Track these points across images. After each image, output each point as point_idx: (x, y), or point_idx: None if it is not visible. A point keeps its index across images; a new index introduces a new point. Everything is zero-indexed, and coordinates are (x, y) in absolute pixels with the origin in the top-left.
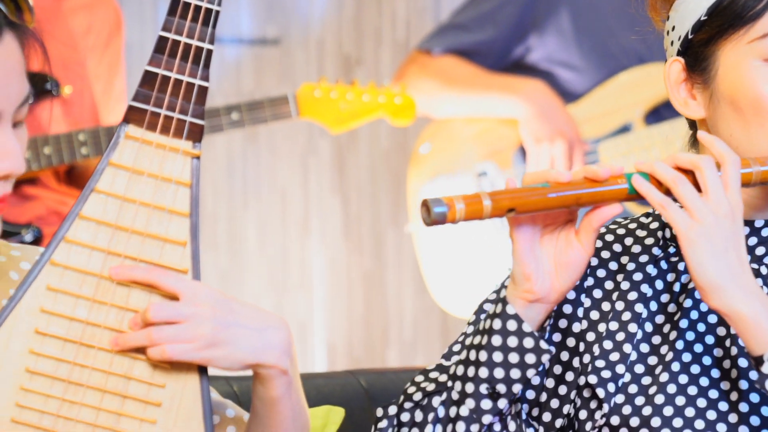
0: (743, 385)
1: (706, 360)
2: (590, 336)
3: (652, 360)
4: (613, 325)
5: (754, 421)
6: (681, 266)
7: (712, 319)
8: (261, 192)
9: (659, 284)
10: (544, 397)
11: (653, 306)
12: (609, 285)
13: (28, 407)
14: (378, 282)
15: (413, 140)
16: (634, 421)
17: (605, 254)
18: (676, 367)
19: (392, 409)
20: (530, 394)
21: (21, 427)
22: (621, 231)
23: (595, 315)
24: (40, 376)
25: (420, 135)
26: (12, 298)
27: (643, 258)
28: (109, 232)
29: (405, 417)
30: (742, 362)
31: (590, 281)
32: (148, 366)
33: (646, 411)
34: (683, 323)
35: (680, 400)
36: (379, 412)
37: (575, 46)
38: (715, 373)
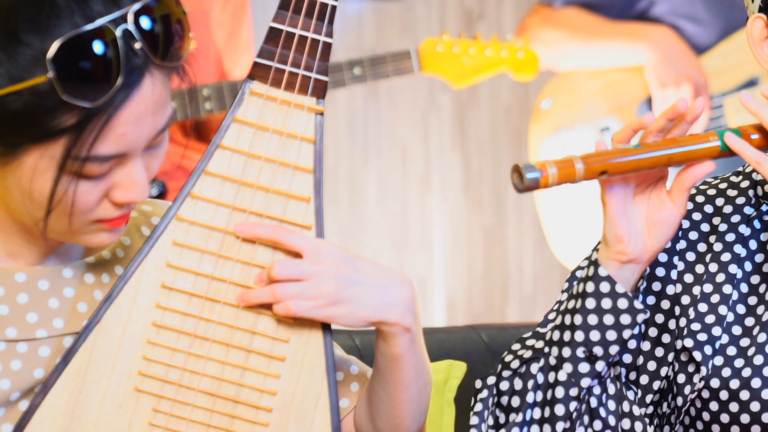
0: None
1: None
2: (685, 299)
3: (749, 321)
4: (708, 288)
5: None
6: None
7: None
8: (382, 148)
9: (753, 244)
10: (641, 360)
11: (748, 266)
12: (702, 247)
13: (154, 360)
14: (498, 238)
15: (535, 96)
16: (734, 383)
17: (696, 216)
18: None
19: (491, 379)
20: (627, 358)
21: (148, 379)
22: (711, 191)
23: (689, 278)
24: (166, 330)
25: (542, 90)
26: (139, 252)
27: (735, 218)
28: (234, 187)
29: (504, 385)
30: None
31: (682, 244)
32: (273, 321)
33: (746, 372)
34: None
35: None
36: (478, 383)
37: None
38: None
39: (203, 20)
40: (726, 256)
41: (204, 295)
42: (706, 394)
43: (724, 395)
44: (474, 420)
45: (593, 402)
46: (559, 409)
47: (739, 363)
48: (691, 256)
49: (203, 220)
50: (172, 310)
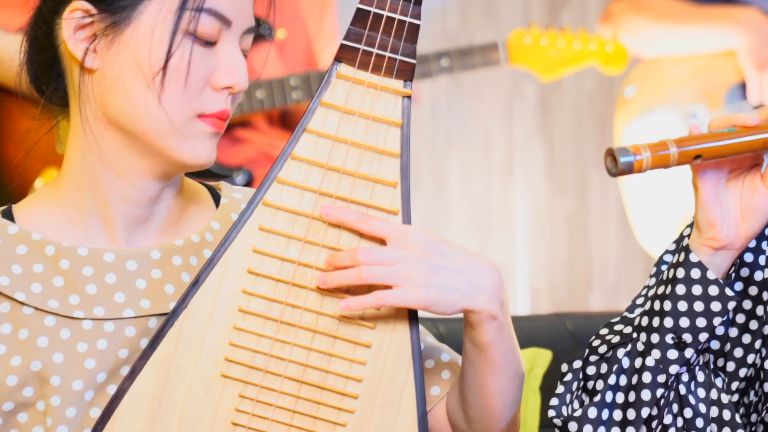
0: None
1: None
2: None
3: None
4: None
5: None
6: None
7: None
8: (465, 136)
9: None
10: (728, 346)
11: None
12: None
13: (241, 346)
14: (581, 225)
15: (619, 83)
16: None
17: None
18: None
19: (577, 363)
20: (715, 345)
21: (234, 365)
22: None
23: None
24: (252, 316)
25: (627, 77)
26: (225, 237)
27: None
28: (321, 172)
29: (590, 370)
30: None
31: None
32: None
33: None
34: None
35: None
36: (564, 367)
37: None
38: None
39: (294, 12)
40: None
41: (290, 281)
42: None
43: None
44: (554, 401)
45: (682, 389)
46: (646, 395)
47: None
48: None
49: (289, 204)
50: (258, 295)
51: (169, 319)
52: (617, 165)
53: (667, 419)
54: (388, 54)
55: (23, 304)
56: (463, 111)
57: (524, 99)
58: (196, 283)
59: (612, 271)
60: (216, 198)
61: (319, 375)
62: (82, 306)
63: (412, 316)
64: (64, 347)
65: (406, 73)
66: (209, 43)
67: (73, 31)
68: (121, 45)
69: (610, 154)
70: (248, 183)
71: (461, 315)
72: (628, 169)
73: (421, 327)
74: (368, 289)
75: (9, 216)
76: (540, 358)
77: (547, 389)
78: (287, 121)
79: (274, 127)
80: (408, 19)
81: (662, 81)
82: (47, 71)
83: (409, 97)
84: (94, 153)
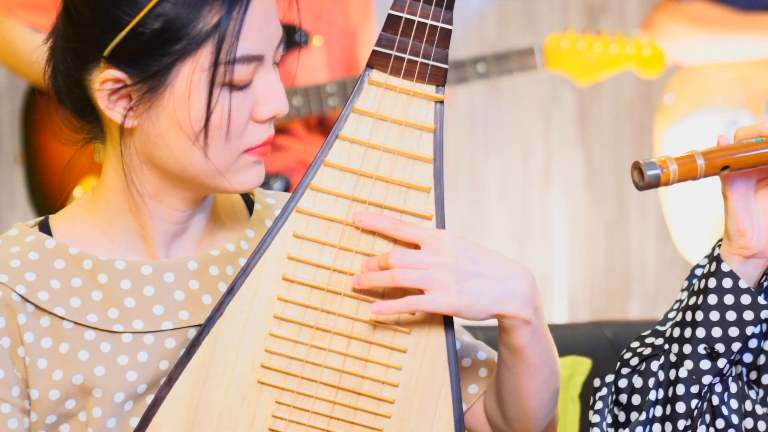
0: None
1: None
2: None
3: None
4: None
5: None
6: None
7: None
8: (502, 142)
9: None
10: (762, 359)
11: None
12: None
13: (277, 353)
14: (620, 233)
15: (658, 90)
16: None
17: None
18: None
19: (609, 377)
20: (748, 357)
21: (271, 372)
22: None
23: None
24: (288, 322)
25: (666, 85)
26: (260, 245)
27: None
28: (354, 178)
29: (623, 383)
30: None
31: None
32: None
33: None
34: None
35: None
36: (597, 382)
37: None
38: None
39: (331, 19)
40: None
41: (325, 287)
42: None
43: None
44: (595, 418)
45: (715, 400)
46: (680, 407)
47: None
48: None
49: (323, 211)
50: (293, 302)
51: (205, 326)
52: (644, 178)
53: (701, 430)
54: (420, 59)
55: (63, 318)
56: (501, 118)
57: (562, 106)
58: (231, 291)
59: (651, 279)
60: (249, 204)
61: (355, 380)
62: (121, 320)
63: (447, 320)
64: (105, 360)
65: (439, 78)
66: (246, 85)
67: (107, 98)
68: (160, 108)
69: (637, 167)
70: (286, 190)
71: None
72: (655, 183)
73: (456, 326)
74: (402, 294)
75: (46, 228)
76: (579, 367)
77: (586, 398)
78: (325, 128)
79: (311, 133)
80: (440, 24)
81: (703, 87)
82: (80, 113)
83: (441, 102)
84: (135, 186)
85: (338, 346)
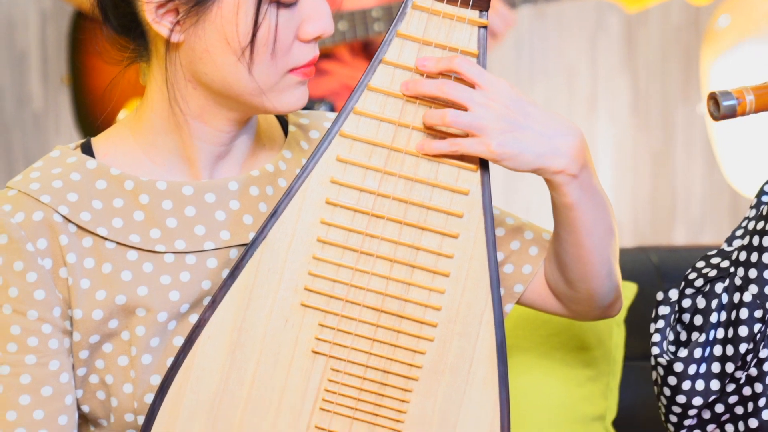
0: None
1: None
2: None
3: None
4: None
5: None
6: None
7: None
8: (548, 70)
9: None
10: None
11: None
12: None
13: (320, 276)
14: (666, 159)
15: (706, 16)
16: None
17: None
18: None
19: (673, 294)
20: None
21: (314, 295)
22: None
23: None
24: (331, 246)
25: (715, 9)
26: (303, 169)
27: None
28: (398, 103)
29: (686, 303)
30: None
31: None
32: (437, 236)
33: None
34: None
35: None
36: (659, 296)
37: None
38: None
39: None
40: None
41: (369, 211)
42: None
43: None
44: (656, 337)
45: None
46: (743, 330)
47: None
48: None
49: (367, 135)
50: (336, 225)
51: (248, 249)
52: (720, 109)
53: (763, 353)
54: None
55: (105, 239)
56: (547, 45)
57: (609, 32)
58: (274, 214)
59: (696, 206)
60: (284, 125)
61: (398, 304)
62: (163, 240)
63: (489, 239)
64: (147, 280)
65: (483, 3)
66: (293, 3)
67: (154, 12)
68: (207, 23)
69: (713, 98)
70: None
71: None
72: (731, 113)
73: (499, 210)
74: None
75: (88, 150)
76: (625, 291)
77: (631, 322)
78: (370, 53)
79: (356, 58)
80: None
81: (755, 12)
82: (125, 30)
83: (485, 27)
84: (179, 105)
85: (381, 269)
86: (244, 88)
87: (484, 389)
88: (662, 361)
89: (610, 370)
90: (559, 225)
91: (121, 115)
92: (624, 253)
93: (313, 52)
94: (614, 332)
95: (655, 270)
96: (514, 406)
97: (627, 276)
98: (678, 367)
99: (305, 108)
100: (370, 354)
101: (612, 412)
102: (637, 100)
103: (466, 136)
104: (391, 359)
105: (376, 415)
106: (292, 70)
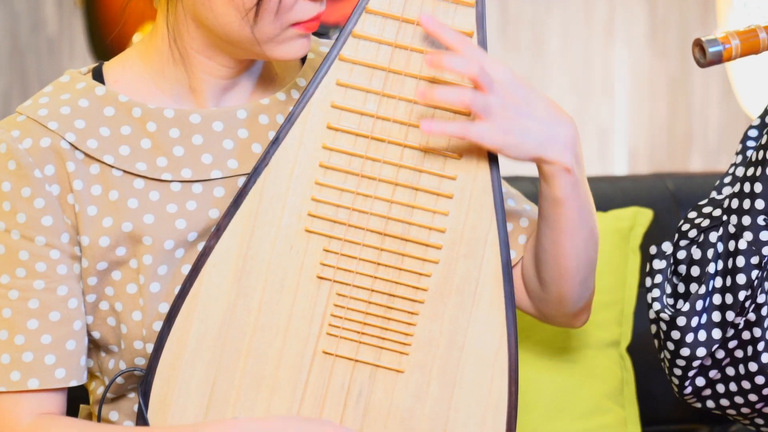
0: None
1: None
2: None
3: None
4: None
5: None
6: None
7: None
8: None
9: None
10: None
11: None
12: None
13: (323, 201)
14: (682, 87)
15: None
16: None
17: None
18: None
19: (667, 247)
20: None
21: (317, 220)
22: None
23: None
24: (333, 171)
25: None
26: (303, 94)
27: None
28: (396, 24)
29: (681, 254)
30: None
31: None
32: (439, 158)
33: None
34: None
35: None
36: (653, 249)
37: None
38: None
39: None
40: None
41: (369, 135)
42: None
43: None
44: (655, 293)
45: None
46: (741, 278)
47: None
48: None
49: (366, 58)
50: (338, 150)
51: (251, 177)
52: (706, 56)
53: (761, 298)
54: None
55: (112, 166)
56: None
57: None
58: (276, 141)
59: (713, 134)
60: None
61: (401, 227)
62: (169, 168)
63: (492, 164)
64: (154, 209)
65: None
66: None
67: None
68: None
69: (698, 45)
70: None
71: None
72: (717, 59)
73: (505, 189)
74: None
75: (99, 75)
76: (641, 218)
77: (647, 248)
78: None
79: None
80: None
81: None
82: None
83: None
84: (184, 40)
85: (384, 193)
86: (244, 38)
87: (491, 310)
88: (665, 316)
89: (624, 296)
90: (543, 221)
91: (136, 38)
92: (640, 180)
93: (319, 8)
94: (629, 259)
95: (671, 196)
96: (525, 331)
97: (643, 202)
98: (681, 321)
99: (319, 35)
100: (375, 278)
101: (626, 339)
102: (655, 27)
103: (469, 113)
104: (397, 283)
105: (383, 338)
106: (294, 24)
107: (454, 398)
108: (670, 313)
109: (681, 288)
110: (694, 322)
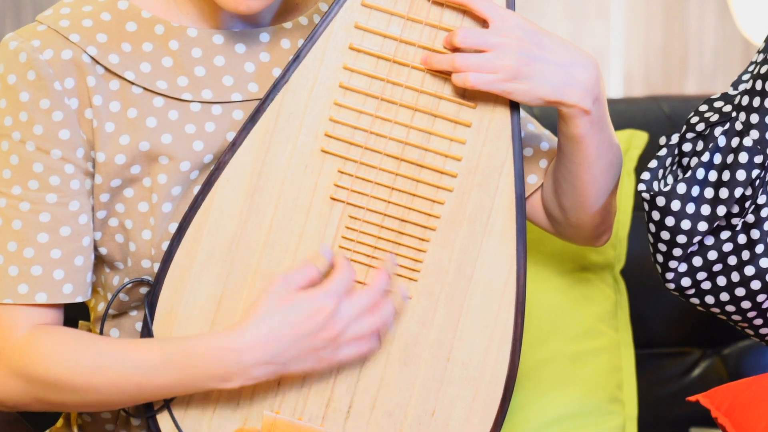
0: None
1: None
2: None
3: None
4: None
5: None
6: None
7: None
8: None
9: None
10: None
11: None
12: None
13: (341, 122)
14: (678, 9)
15: None
16: None
17: None
18: None
19: (674, 138)
20: None
21: (334, 141)
22: None
23: None
24: (353, 92)
25: None
26: (327, 13)
27: None
28: None
29: (686, 147)
30: None
31: None
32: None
33: None
34: None
35: None
36: (662, 140)
37: None
38: None
39: None
40: None
41: (391, 58)
42: None
43: None
44: (645, 175)
45: None
46: (741, 174)
47: None
48: None
49: None
50: (359, 71)
51: (270, 93)
52: None
53: (761, 199)
54: None
55: (132, 83)
56: None
57: None
58: (297, 59)
59: (709, 57)
60: None
61: (418, 153)
62: (190, 88)
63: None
64: (172, 128)
65: None
66: None
67: None
68: None
69: None
70: None
71: None
72: None
73: (523, 113)
74: None
75: None
76: (636, 140)
77: (641, 171)
78: None
79: None
80: None
81: None
82: None
83: None
84: None
85: (403, 117)
86: None
87: (502, 241)
88: (646, 196)
89: (618, 219)
90: (562, 154)
91: None
92: (635, 103)
93: None
94: (624, 182)
95: (666, 119)
96: None
97: (638, 125)
98: (660, 201)
99: None
100: (389, 202)
101: (620, 261)
102: None
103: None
104: (410, 208)
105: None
106: None
107: (460, 327)
108: (651, 193)
109: (679, 178)
110: (676, 206)
